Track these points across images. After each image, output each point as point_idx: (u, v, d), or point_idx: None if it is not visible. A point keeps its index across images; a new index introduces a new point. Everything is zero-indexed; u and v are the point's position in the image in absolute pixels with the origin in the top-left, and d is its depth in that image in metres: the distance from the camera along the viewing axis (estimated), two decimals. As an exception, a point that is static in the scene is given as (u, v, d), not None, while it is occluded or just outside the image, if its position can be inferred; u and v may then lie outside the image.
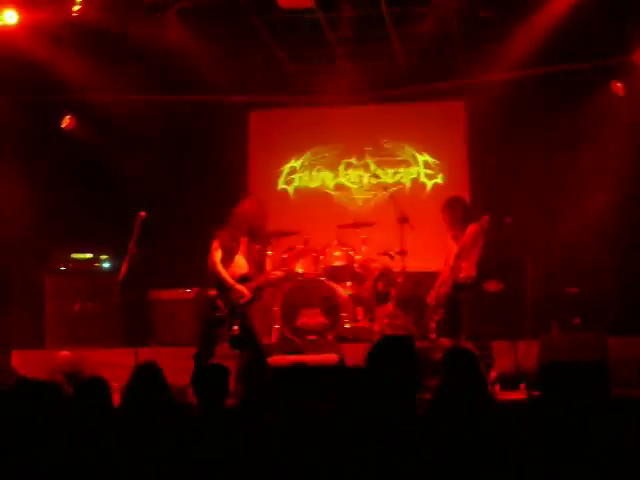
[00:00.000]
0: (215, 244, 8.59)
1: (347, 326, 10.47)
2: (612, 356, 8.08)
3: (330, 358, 8.24)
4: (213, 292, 8.56)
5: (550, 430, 5.07)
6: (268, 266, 8.81)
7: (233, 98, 12.89)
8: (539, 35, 10.92)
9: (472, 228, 8.83)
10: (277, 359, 8.35)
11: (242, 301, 8.59)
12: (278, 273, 9.01)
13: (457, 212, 9.12)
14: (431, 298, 9.11)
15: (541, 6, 10.50)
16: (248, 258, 8.76)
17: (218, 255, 8.55)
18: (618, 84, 11.26)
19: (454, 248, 9.01)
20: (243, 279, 8.67)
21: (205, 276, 8.77)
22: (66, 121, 11.94)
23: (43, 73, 11.03)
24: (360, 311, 10.84)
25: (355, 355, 9.46)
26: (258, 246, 8.81)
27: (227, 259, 8.60)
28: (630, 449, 4.92)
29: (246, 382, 8.06)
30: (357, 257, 10.98)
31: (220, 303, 8.54)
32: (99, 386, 5.31)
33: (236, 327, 8.47)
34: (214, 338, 8.57)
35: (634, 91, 10.74)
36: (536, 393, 7.41)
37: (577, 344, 8.08)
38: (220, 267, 8.54)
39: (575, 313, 10.17)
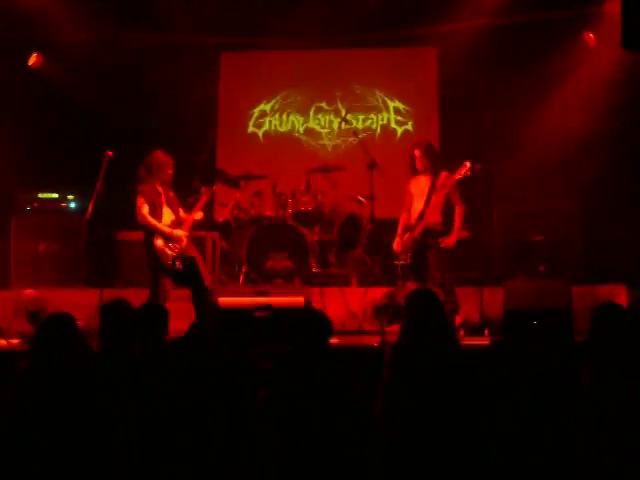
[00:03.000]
0: (140, 200, 8.65)
1: (315, 270, 10.51)
2: (576, 304, 8.13)
3: (297, 301, 8.25)
4: (159, 242, 8.61)
5: (512, 373, 5.17)
6: (182, 213, 8.87)
7: (205, 39, 12.78)
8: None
9: (453, 177, 8.74)
10: (243, 301, 8.35)
11: (183, 244, 8.67)
12: (200, 215, 9.02)
13: (434, 157, 9.08)
14: (397, 244, 9.08)
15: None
16: (170, 206, 8.82)
17: (146, 209, 8.62)
18: (590, 35, 11.26)
19: (422, 192, 8.96)
20: (173, 225, 8.74)
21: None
22: (33, 59, 11.80)
23: (9, 10, 10.86)
24: (328, 256, 10.87)
25: (322, 299, 9.54)
26: (171, 193, 8.87)
27: (156, 211, 8.69)
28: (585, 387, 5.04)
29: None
30: (325, 202, 10.97)
31: (168, 251, 8.60)
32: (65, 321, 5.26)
33: (178, 262, 8.56)
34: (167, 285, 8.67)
35: (605, 42, 10.72)
36: (499, 338, 7.54)
37: (541, 291, 8.11)
38: (151, 219, 8.62)
39: (540, 261, 10.24)
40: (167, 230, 8.63)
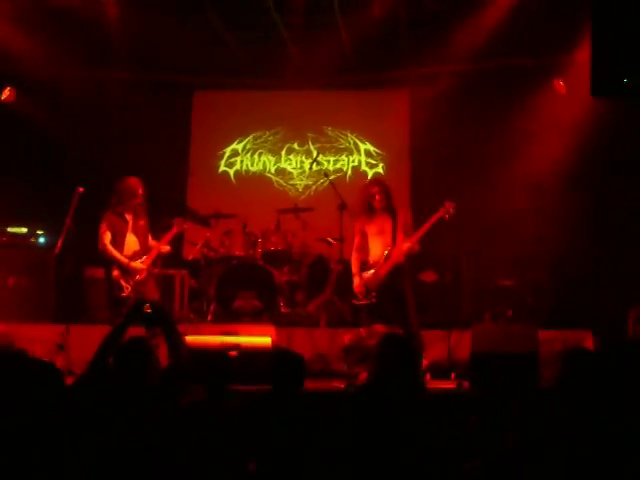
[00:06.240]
0: (103, 227, 8.57)
1: (283, 311, 10.48)
2: (543, 349, 8.12)
3: (264, 342, 8.21)
4: (115, 272, 8.54)
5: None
6: (151, 240, 8.81)
7: (178, 77, 12.84)
8: (485, 30, 11.03)
9: (433, 217, 8.59)
10: (210, 341, 8.30)
11: (140, 277, 8.58)
12: (166, 248, 8.98)
13: (390, 195, 8.89)
14: (358, 285, 8.76)
15: (489, 1, 10.63)
16: (136, 234, 8.74)
17: (107, 237, 8.54)
18: (560, 82, 11.40)
19: (382, 231, 8.75)
20: (136, 255, 8.66)
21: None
22: (6, 93, 11.78)
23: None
24: (296, 296, 10.85)
25: (290, 340, 9.49)
26: (142, 221, 8.79)
27: (119, 239, 8.61)
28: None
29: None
30: (295, 242, 10.97)
31: (123, 283, 8.54)
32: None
33: (147, 305, 8.50)
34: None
35: (575, 89, 10.84)
36: (465, 382, 7.54)
37: (508, 335, 8.11)
38: (111, 248, 8.54)
39: (508, 305, 10.27)
40: (125, 261, 8.53)
